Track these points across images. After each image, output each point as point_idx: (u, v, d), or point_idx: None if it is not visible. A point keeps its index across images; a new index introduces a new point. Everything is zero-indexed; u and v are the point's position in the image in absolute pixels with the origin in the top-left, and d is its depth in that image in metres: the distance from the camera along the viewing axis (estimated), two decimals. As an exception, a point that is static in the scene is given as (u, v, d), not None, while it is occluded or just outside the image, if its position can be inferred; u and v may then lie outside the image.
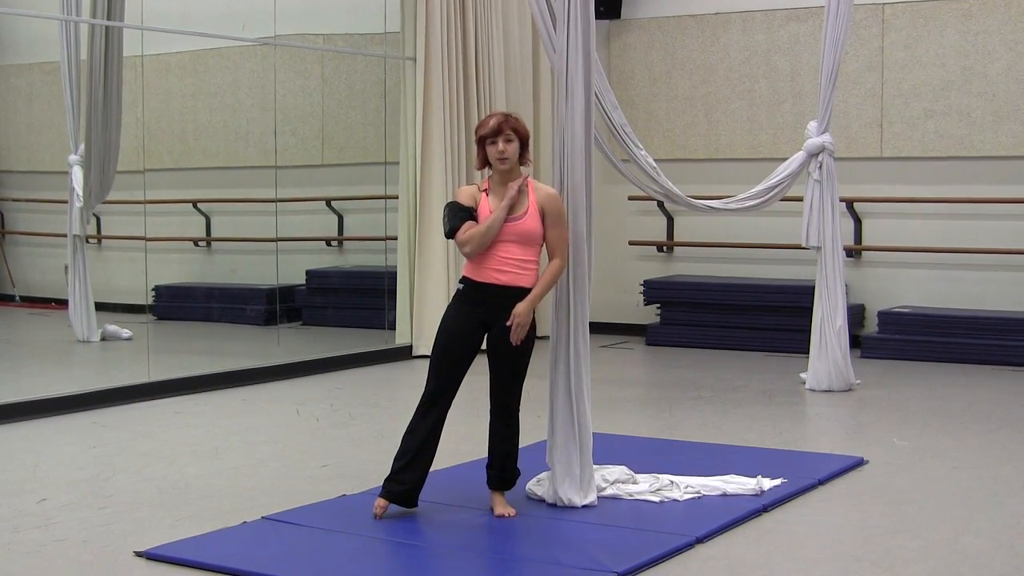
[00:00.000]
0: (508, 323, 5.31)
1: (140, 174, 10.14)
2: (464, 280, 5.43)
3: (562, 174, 5.61)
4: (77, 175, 10.15)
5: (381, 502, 5.41)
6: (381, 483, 5.47)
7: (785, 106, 11.07)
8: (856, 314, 10.53)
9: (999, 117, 10.28)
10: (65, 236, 10.31)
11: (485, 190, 5.44)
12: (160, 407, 8.24)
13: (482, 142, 5.41)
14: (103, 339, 10.36)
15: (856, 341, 9.90)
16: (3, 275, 12.20)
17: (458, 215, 5.35)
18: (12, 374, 9.66)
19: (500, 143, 5.36)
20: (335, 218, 11.97)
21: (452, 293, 5.53)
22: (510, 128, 5.38)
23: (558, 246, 5.44)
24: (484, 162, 5.46)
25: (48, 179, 11.57)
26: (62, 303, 10.55)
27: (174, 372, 8.97)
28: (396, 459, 5.43)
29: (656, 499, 5.69)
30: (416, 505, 5.46)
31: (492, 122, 5.39)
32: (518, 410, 5.50)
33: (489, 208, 5.35)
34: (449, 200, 5.57)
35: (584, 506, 5.56)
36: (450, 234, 5.40)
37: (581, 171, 5.57)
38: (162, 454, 6.81)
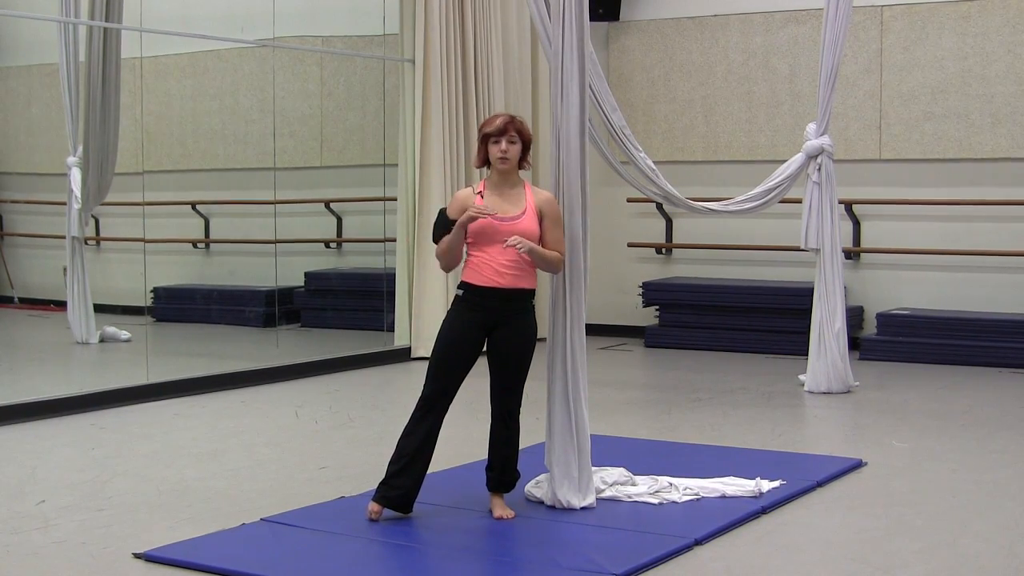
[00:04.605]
0: (507, 242, 5.27)
1: (139, 176, 10.14)
2: (463, 285, 5.43)
3: (558, 175, 5.62)
4: (76, 177, 10.14)
5: (375, 507, 5.40)
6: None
7: (784, 108, 11.07)
8: (855, 316, 10.53)
9: (997, 119, 10.29)
10: (64, 238, 10.30)
11: (480, 192, 5.44)
12: (159, 409, 8.23)
13: (485, 140, 5.41)
14: (102, 341, 10.36)
15: (855, 343, 9.90)
16: (2, 277, 12.19)
17: (437, 229, 5.41)
18: (11, 376, 9.65)
19: (503, 143, 5.37)
20: (334, 220, 11.97)
21: (451, 295, 5.54)
22: (515, 130, 5.40)
23: (557, 248, 5.46)
24: (484, 160, 5.47)
25: (47, 181, 11.57)
26: (61, 305, 10.54)
27: (173, 374, 8.97)
28: (391, 463, 5.41)
29: (655, 501, 5.69)
30: (411, 511, 5.44)
31: (499, 121, 5.41)
32: (519, 412, 5.50)
33: (484, 209, 5.36)
34: (443, 206, 5.59)
35: (583, 508, 5.56)
36: (436, 243, 5.47)
37: (576, 172, 5.57)
38: (161, 456, 6.81)
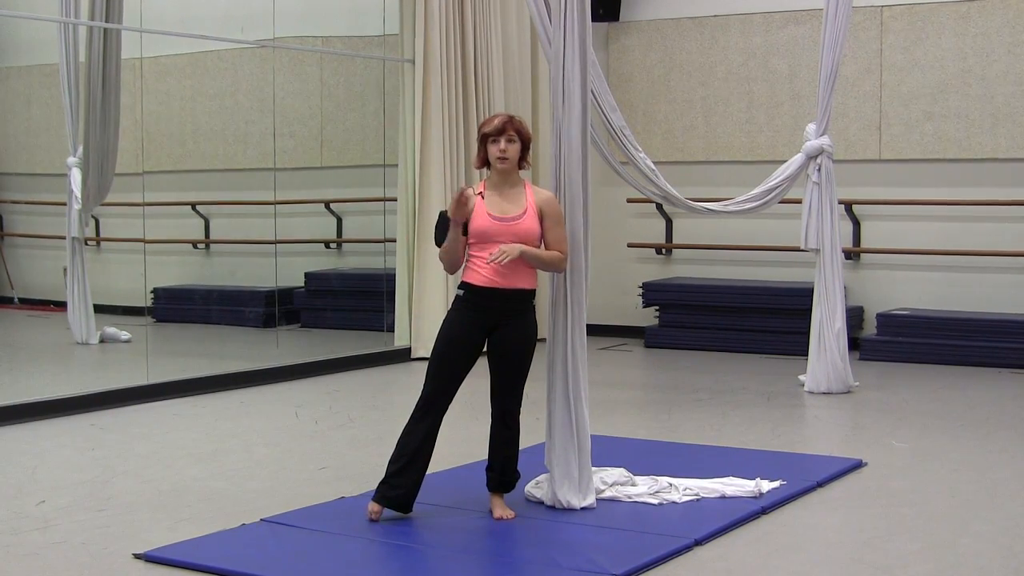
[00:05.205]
0: (489, 257, 5.26)
1: (139, 176, 10.14)
2: (464, 285, 5.42)
3: (559, 175, 5.62)
4: (76, 177, 10.14)
5: (375, 507, 5.40)
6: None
7: (784, 108, 11.07)
8: (855, 316, 10.53)
9: (997, 119, 10.29)
10: (64, 238, 10.31)
11: (480, 193, 5.44)
12: (159, 409, 8.23)
13: (484, 140, 5.42)
14: (102, 341, 10.36)
15: (855, 343, 9.90)
16: (2, 277, 12.20)
17: (438, 231, 5.41)
18: (11, 376, 9.66)
19: (502, 142, 5.37)
20: (334, 220, 11.98)
21: (451, 295, 5.55)
22: (514, 129, 5.40)
23: (559, 247, 5.45)
24: (484, 161, 5.47)
25: (47, 181, 11.57)
26: (61, 305, 10.54)
27: (173, 374, 8.97)
28: (391, 463, 5.41)
29: (655, 501, 5.69)
30: (411, 510, 5.44)
31: (497, 121, 5.41)
32: (519, 413, 5.50)
33: (485, 210, 5.36)
34: (443, 207, 5.60)
35: (583, 508, 5.56)
36: (438, 245, 5.47)
37: (578, 172, 5.58)
38: (161, 456, 6.81)
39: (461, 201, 5.23)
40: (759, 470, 6.14)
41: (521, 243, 5.33)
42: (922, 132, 10.55)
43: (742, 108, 11.26)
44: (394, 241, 10.69)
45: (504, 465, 5.48)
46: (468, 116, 10.43)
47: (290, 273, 11.63)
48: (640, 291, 11.33)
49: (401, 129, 10.52)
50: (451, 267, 5.48)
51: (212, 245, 12.13)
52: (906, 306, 10.58)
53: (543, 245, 5.45)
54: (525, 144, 5.44)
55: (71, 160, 10.18)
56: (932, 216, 10.61)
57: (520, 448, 5.55)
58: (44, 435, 7.40)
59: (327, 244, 12.14)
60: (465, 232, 5.38)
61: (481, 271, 5.36)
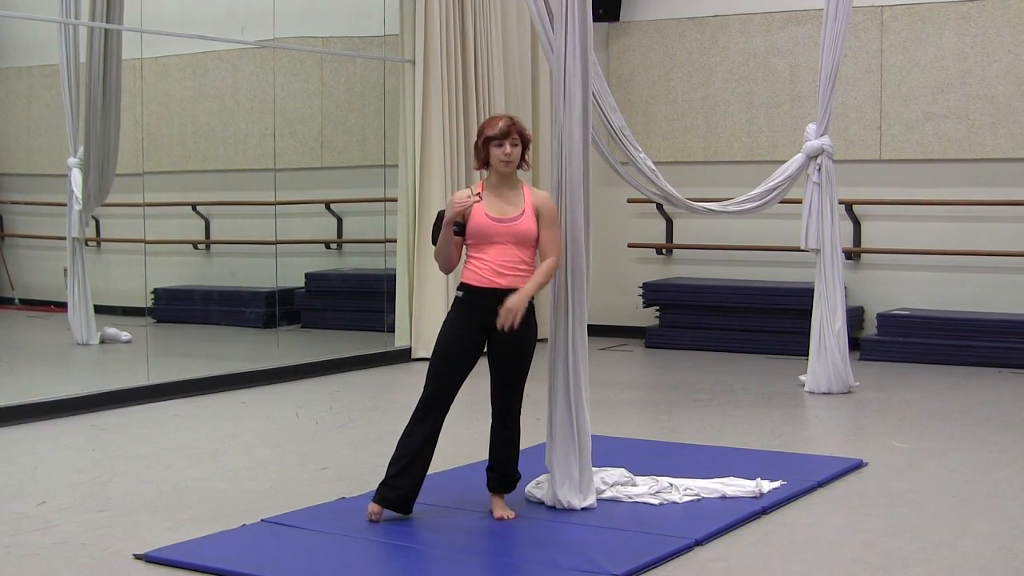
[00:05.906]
0: (500, 324, 5.28)
1: (139, 177, 10.14)
2: (463, 286, 5.42)
3: (560, 176, 5.62)
4: (76, 178, 10.15)
5: (375, 507, 5.40)
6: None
7: (784, 108, 11.07)
8: (855, 316, 10.54)
9: (997, 119, 10.29)
10: (64, 239, 10.31)
11: (478, 193, 5.43)
12: (159, 410, 8.24)
13: (488, 143, 5.41)
14: (102, 342, 10.37)
15: (855, 343, 9.90)
16: (2, 278, 12.20)
17: (435, 231, 5.42)
18: (11, 377, 9.66)
19: (507, 146, 5.37)
20: (334, 221, 11.98)
21: (451, 296, 5.55)
22: (516, 132, 5.40)
23: (551, 247, 5.44)
24: (485, 163, 5.47)
25: (47, 182, 11.58)
26: (61, 306, 10.55)
27: (173, 375, 8.97)
28: (391, 463, 5.42)
29: (655, 501, 5.69)
30: (411, 511, 5.44)
31: (501, 124, 5.40)
32: (519, 413, 5.50)
33: (483, 211, 5.36)
34: (442, 208, 5.61)
35: (583, 508, 5.56)
36: (434, 244, 5.49)
37: (579, 173, 5.58)
38: (161, 457, 6.81)
39: (457, 204, 5.27)
40: (759, 470, 6.14)
41: (518, 243, 5.34)
42: (922, 132, 10.55)
43: (742, 108, 11.26)
44: (394, 242, 10.69)
45: (504, 465, 5.48)
46: (468, 116, 10.44)
47: (290, 273, 11.64)
48: (640, 291, 11.33)
49: (401, 129, 10.52)
50: (444, 266, 5.51)
51: (212, 246, 12.14)
52: (906, 306, 10.58)
53: (537, 244, 5.44)
54: (525, 145, 5.45)
55: (71, 160, 10.18)
56: (932, 216, 10.61)
57: (520, 448, 5.55)
58: (45, 436, 7.41)
59: (327, 245, 12.15)
60: (462, 233, 5.38)
61: (479, 272, 5.36)
